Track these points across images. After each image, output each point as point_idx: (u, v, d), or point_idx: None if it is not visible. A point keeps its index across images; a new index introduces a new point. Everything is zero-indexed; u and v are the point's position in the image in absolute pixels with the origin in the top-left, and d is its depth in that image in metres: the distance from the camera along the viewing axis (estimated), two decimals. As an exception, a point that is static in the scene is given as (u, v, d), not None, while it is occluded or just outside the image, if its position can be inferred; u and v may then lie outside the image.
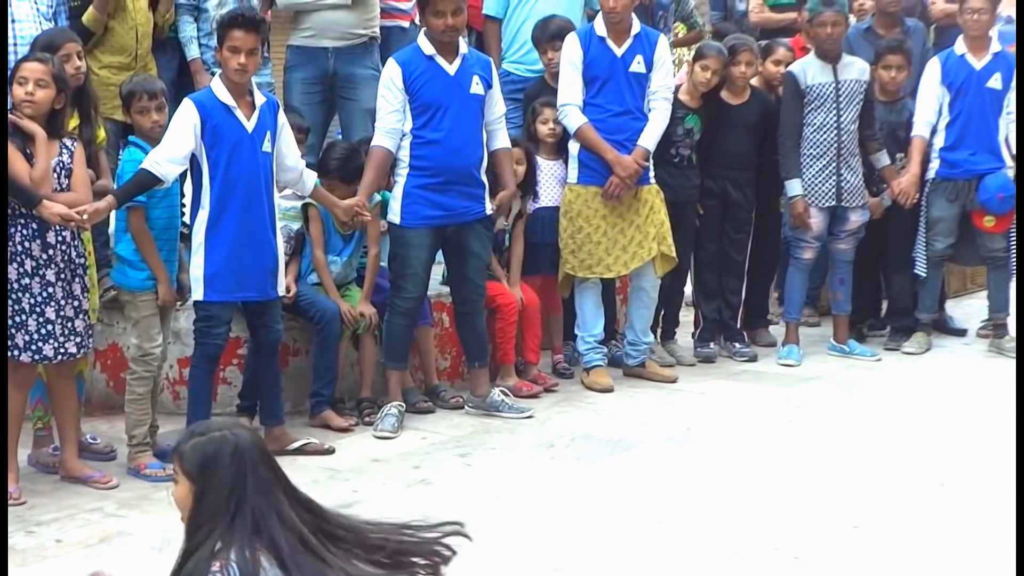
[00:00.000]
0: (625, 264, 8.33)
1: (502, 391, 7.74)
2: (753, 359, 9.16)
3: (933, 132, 9.33)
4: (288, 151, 6.75)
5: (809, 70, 9.03)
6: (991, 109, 9.27)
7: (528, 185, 8.31)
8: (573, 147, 8.33)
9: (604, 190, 8.16)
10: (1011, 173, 9.21)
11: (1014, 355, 9.21)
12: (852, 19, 10.07)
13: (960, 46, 9.34)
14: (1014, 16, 11.01)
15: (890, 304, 9.89)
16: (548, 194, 8.47)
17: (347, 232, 7.55)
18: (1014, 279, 9.52)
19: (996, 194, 9.11)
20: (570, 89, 8.26)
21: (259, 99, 6.53)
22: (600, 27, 8.30)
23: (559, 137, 8.50)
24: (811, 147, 8.99)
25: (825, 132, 8.95)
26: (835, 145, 8.96)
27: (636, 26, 8.34)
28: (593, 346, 8.38)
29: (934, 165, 9.31)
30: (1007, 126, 9.28)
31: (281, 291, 6.76)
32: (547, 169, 8.49)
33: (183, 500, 3.61)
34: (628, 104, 8.26)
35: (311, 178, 6.97)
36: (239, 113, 6.42)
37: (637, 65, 8.26)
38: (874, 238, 9.43)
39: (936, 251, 9.37)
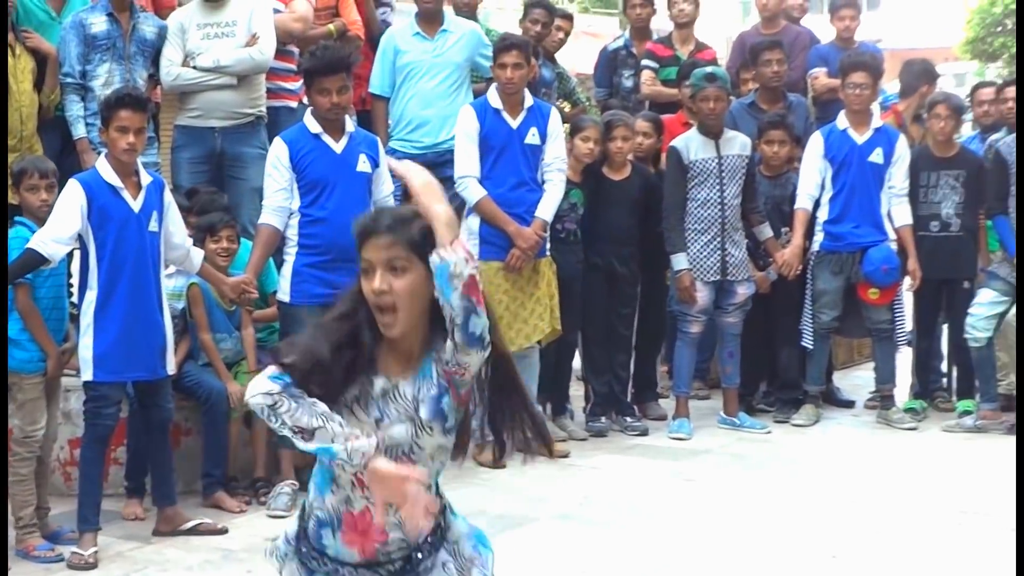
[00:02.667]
0: (527, 337, 8.36)
1: (395, 468, 7.69)
2: (644, 433, 9.17)
3: (817, 205, 9.45)
4: (175, 229, 6.71)
5: (692, 145, 9.12)
6: (873, 183, 9.42)
7: None
8: (473, 222, 8.36)
9: (506, 263, 8.20)
10: (893, 246, 9.36)
11: (902, 426, 9.33)
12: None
13: (842, 120, 9.49)
14: (894, 91, 11.20)
15: (778, 376, 9.96)
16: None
17: (231, 308, 7.48)
18: (899, 350, 9.66)
19: (880, 266, 9.24)
20: (467, 161, 8.31)
21: (145, 179, 6.50)
22: (495, 99, 8.37)
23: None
24: (695, 222, 9.06)
25: (709, 207, 9.04)
26: (719, 220, 9.04)
27: (529, 99, 8.43)
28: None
29: (818, 238, 9.43)
30: (888, 200, 9.43)
31: (171, 370, 6.70)
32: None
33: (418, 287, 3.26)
34: (524, 176, 8.34)
35: (198, 256, 6.92)
36: (125, 193, 6.37)
37: (532, 137, 8.36)
38: (761, 311, 9.52)
39: (822, 323, 9.48)
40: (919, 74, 10.59)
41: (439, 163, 9.10)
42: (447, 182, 8.73)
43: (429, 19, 9.39)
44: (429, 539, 3.38)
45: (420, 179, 3.26)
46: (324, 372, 3.28)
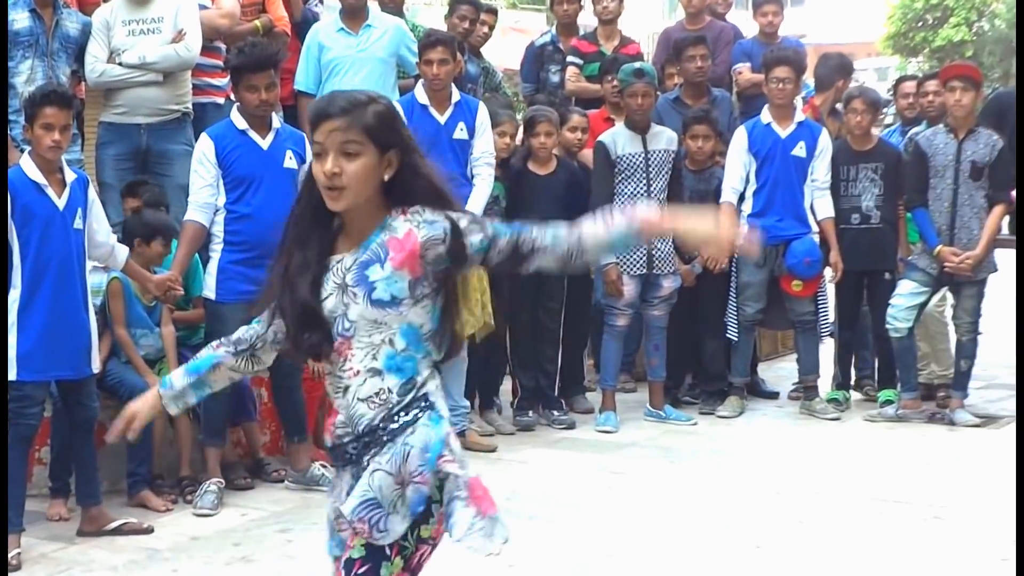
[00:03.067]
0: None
1: (322, 465, 7.70)
2: (571, 426, 9.22)
3: (741, 199, 9.53)
4: (99, 227, 6.67)
5: (619, 140, 9.18)
6: (796, 176, 9.51)
7: None
8: None
9: None
10: (816, 238, 9.46)
11: (825, 416, 9.44)
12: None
13: (766, 115, 9.58)
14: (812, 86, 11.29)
15: (704, 369, 10.04)
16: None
17: (151, 304, 7.45)
18: (822, 342, 9.76)
19: (803, 259, 9.34)
20: None
21: (69, 176, 6.46)
22: (422, 95, 8.40)
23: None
24: (622, 216, 9.08)
25: (636, 201, 9.09)
26: (645, 214, 9.07)
27: (456, 94, 8.47)
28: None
29: (742, 231, 9.50)
30: (811, 193, 9.53)
31: (95, 368, 6.66)
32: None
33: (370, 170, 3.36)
34: (453, 170, 8.34)
35: (123, 252, 6.89)
36: (50, 191, 6.33)
37: (460, 132, 8.40)
38: (687, 304, 9.59)
39: (747, 316, 9.57)
40: (835, 68, 10.69)
41: None
42: None
43: (353, 15, 9.40)
44: (378, 430, 3.35)
45: (655, 225, 3.50)
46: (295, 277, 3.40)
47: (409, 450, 3.32)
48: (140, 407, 3.67)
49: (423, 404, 3.37)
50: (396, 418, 3.34)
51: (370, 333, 3.34)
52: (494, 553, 3.39)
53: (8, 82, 8.04)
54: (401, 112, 3.55)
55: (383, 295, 3.31)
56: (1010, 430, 9.08)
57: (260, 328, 3.63)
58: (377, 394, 3.33)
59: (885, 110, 11.04)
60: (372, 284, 3.32)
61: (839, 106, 10.38)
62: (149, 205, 7.74)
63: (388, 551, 3.33)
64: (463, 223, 3.38)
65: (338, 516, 3.44)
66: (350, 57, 9.31)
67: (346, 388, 3.37)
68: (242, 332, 3.66)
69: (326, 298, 3.38)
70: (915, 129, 10.07)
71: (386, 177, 3.36)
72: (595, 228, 3.45)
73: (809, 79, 11.60)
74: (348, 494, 3.36)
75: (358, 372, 3.35)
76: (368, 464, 3.33)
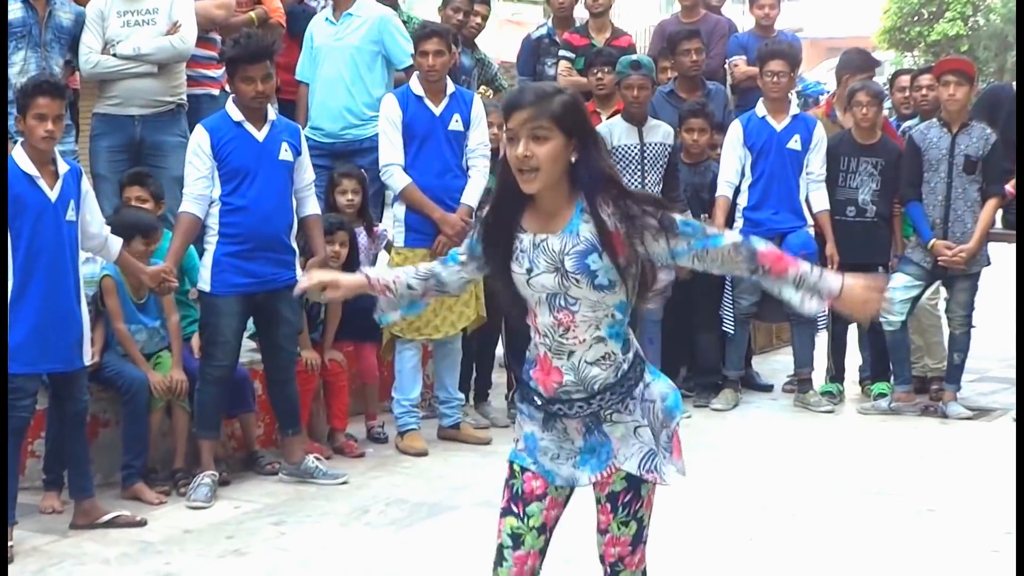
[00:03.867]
0: (452, 324, 8.39)
1: (316, 457, 7.70)
2: (566, 419, 9.20)
3: (737, 192, 9.53)
4: (92, 218, 6.65)
5: (616, 131, 9.18)
6: (792, 169, 9.51)
7: (351, 265, 8.26)
8: (398, 210, 8.39)
9: (432, 250, 8.19)
10: (811, 231, 9.47)
11: (819, 409, 9.44)
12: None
13: (760, 108, 9.58)
14: (809, 79, 11.30)
15: (698, 362, 10.04)
16: (356, 258, 8.48)
17: (141, 300, 7.44)
18: (818, 334, 9.77)
19: (799, 252, 9.27)
20: (391, 149, 8.33)
21: (62, 167, 6.44)
22: (417, 87, 8.38)
23: (358, 207, 8.54)
24: (616, 209, 9.08)
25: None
26: (639, 206, 9.07)
27: (451, 86, 8.46)
28: (408, 409, 8.39)
29: (738, 225, 9.49)
30: (807, 186, 9.53)
31: (87, 361, 6.65)
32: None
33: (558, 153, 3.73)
34: (449, 162, 8.36)
35: (116, 244, 6.86)
36: (42, 183, 6.30)
37: (455, 123, 8.38)
38: (681, 297, 9.57)
39: (742, 309, 9.57)
40: (846, 64, 10.63)
41: (348, 152, 9.12)
42: (339, 177, 8.73)
43: (339, 4, 9.42)
44: (611, 392, 3.83)
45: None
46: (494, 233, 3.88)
47: (653, 403, 3.87)
48: (345, 281, 4.19)
49: (641, 361, 3.90)
50: (629, 376, 3.84)
51: (593, 309, 3.78)
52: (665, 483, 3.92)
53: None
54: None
55: (603, 280, 3.75)
56: (1003, 423, 9.10)
57: (456, 267, 4.08)
58: (604, 357, 3.82)
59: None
60: (594, 272, 3.73)
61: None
62: (156, 198, 7.76)
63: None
64: (672, 226, 3.75)
65: (548, 450, 3.94)
66: (327, 46, 9.35)
67: (570, 352, 3.82)
68: (430, 267, 4.16)
69: (538, 275, 3.79)
70: (908, 123, 10.08)
71: (573, 159, 3.72)
72: (791, 276, 3.83)
73: (807, 73, 11.62)
74: (587, 437, 3.89)
75: (583, 340, 3.80)
76: (612, 418, 3.86)
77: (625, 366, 3.83)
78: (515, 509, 3.93)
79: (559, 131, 3.70)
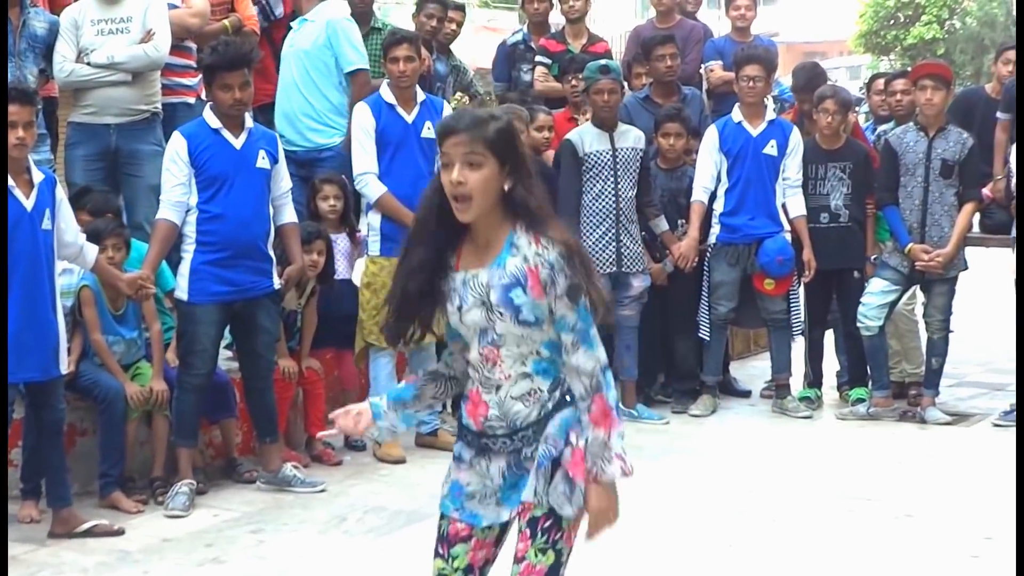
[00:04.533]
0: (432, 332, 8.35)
1: (294, 465, 7.69)
2: (542, 426, 9.19)
3: (713, 197, 9.53)
4: (67, 227, 6.64)
5: (586, 138, 9.17)
6: (768, 174, 9.51)
7: (327, 275, 8.25)
8: (374, 219, 8.39)
9: None
10: (788, 236, 9.48)
11: (797, 414, 9.45)
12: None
13: (737, 113, 9.58)
14: (785, 84, 11.32)
15: (676, 368, 10.03)
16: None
17: (118, 311, 7.42)
18: (795, 340, 9.77)
19: (775, 257, 9.35)
20: (365, 157, 8.33)
21: (36, 176, 6.42)
22: (388, 95, 8.39)
23: (340, 213, 8.53)
24: (590, 214, 9.11)
25: (603, 199, 9.10)
26: (614, 212, 9.10)
27: (421, 93, 8.48)
28: (385, 417, 8.35)
29: (715, 230, 9.51)
30: (783, 191, 9.54)
31: (63, 369, 6.62)
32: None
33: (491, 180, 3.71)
34: (422, 170, 8.35)
35: (92, 252, 6.85)
36: (17, 192, 6.28)
37: (427, 131, 8.38)
38: (659, 303, 9.59)
39: (719, 314, 9.57)
40: (796, 88, 10.57)
41: (309, 161, 9.11)
42: (321, 184, 8.68)
43: (299, 8, 9.46)
44: (532, 429, 3.79)
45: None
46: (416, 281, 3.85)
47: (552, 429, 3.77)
48: (365, 414, 4.08)
49: (568, 399, 3.79)
50: (552, 414, 3.78)
51: (518, 344, 3.75)
52: (568, 517, 3.76)
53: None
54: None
55: (528, 317, 3.71)
56: (981, 428, 9.12)
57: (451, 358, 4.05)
58: (530, 393, 3.78)
59: (857, 108, 11.04)
60: (519, 307, 3.70)
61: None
62: (94, 214, 7.65)
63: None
64: (573, 299, 3.69)
65: (475, 493, 3.89)
66: (285, 52, 9.39)
67: (498, 387, 3.80)
68: (439, 367, 4.11)
69: (468, 310, 3.78)
70: (883, 127, 10.10)
71: (506, 187, 3.71)
72: (596, 435, 3.74)
73: (782, 78, 11.62)
74: (507, 473, 3.83)
75: (509, 376, 3.78)
76: (532, 455, 3.77)
77: (550, 404, 3.77)
78: (440, 551, 3.94)
79: (493, 157, 3.68)
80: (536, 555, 3.76)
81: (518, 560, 3.78)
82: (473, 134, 3.68)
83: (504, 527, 3.92)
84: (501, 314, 3.71)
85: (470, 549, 3.90)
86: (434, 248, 3.81)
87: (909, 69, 10.75)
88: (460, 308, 3.80)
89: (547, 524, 3.74)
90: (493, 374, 3.80)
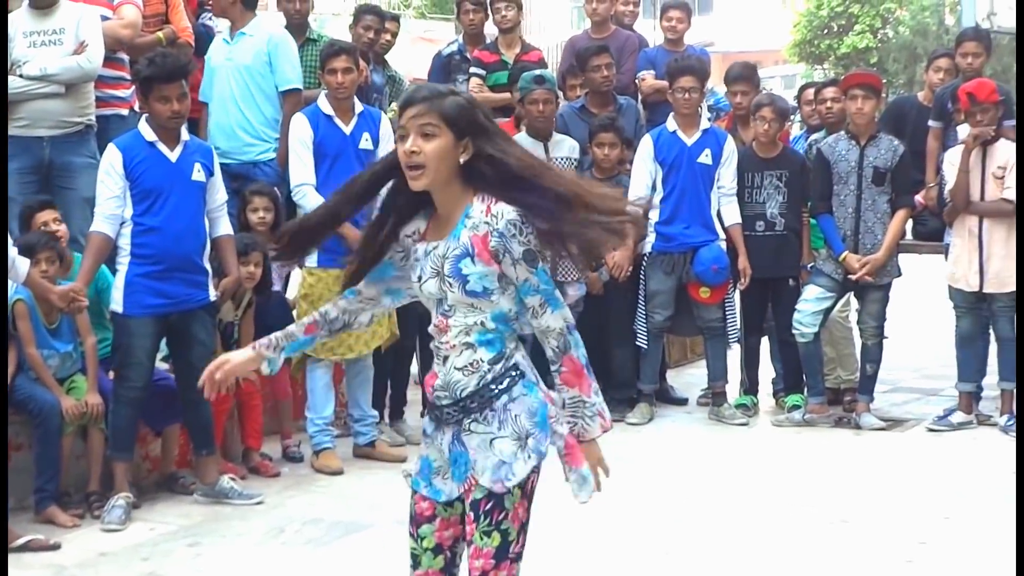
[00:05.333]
0: (366, 343, 8.39)
1: (231, 477, 7.66)
2: (481, 435, 9.19)
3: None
4: None
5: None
6: (703, 183, 9.56)
7: (264, 286, 8.24)
8: None
9: (345, 270, 8.17)
10: (723, 245, 9.53)
11: (734, 422, 9.50)
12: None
13: (671, 123, 9.63)
14: (719, 93, 11.39)
15: (613, 376, 10.04)
16: (269, 278, 8.45)
17: (52, 325, 7.37)
18: (731, 348, 9.82)
19: (711, 266, 9.40)
20: (303, 169, 8.32)
21: (-31, 189, 6.38)
22: (326, 106, 8.39)
23: (270, 224, 8.51)
24: (524, 224, 9.12)
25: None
26: (547, 221, 9.10)
27: (358, 105, 8.48)
28: (322, 428, 8.36)
29: (650, 239, 9.55)
30: (718, 199, 9.60)
31: (0, 384, 6.58)
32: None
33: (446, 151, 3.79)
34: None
35: (24, 265, 6.81)
36: (-50, 205, 6.25)
37: (365, 142, 8.40)
38: (595, 312, 9.62)
39: (656, 323, 9.61)
40: (730, 78, 10.67)
41: (243, 174, 9.10)
42: (251, 196, 8.69)
43: (234, 23, 9.42)
44: (470, 400, 3.85)
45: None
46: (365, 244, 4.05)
47: (518, 415, 3.83)
48: (236, 359, 4.17)
49: (514, 374, 3.87)
50: (492, 387, 3.84)
51: (465, 315, 3.84)
52: (584, 503, 3.94)
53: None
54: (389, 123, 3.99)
55: (476, 287, 3.80)
56: (916, 433, 9.20)
57: (352, 300, 4.18)
58: (471, 364, 3.84)
59: (793, 117, 11.12)
60: (466, 277, 3.79)
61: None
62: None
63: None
64: (531, 263, 3.79)
65: (440, 468, 3.94)
66: (222, 65, 9.34)
67: (445, 358, 3.89)
68: (335, 311, 4.18)
69: (426, 280, 3.88)
70: (814, 136, 10.18)
71: (462, 160, 3.78)
72: (570, 394, 3.92)
73: (718, 86, 11.68)
74: (451, 446, 3.89)
75: (454, 346, 3.86)
76: (470, 427, 3.85)
77: (489, 376, 3.83)
78: (411, 530, 4.01)
79: (448, 129, 3.76)
80: (481, 538, 3.83)
81: (468, 543, 3.89)
82: (429, 105, 3.77)
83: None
84: (451, 284, 3.81)
85: (436, 529, 3.97)
86: (394, 216, 3.97)
87: (841, 78, 10.83)
88: (420, 278, 3.91)
89: (488, 507, 3.81)
90: (442, 344, 3.89)
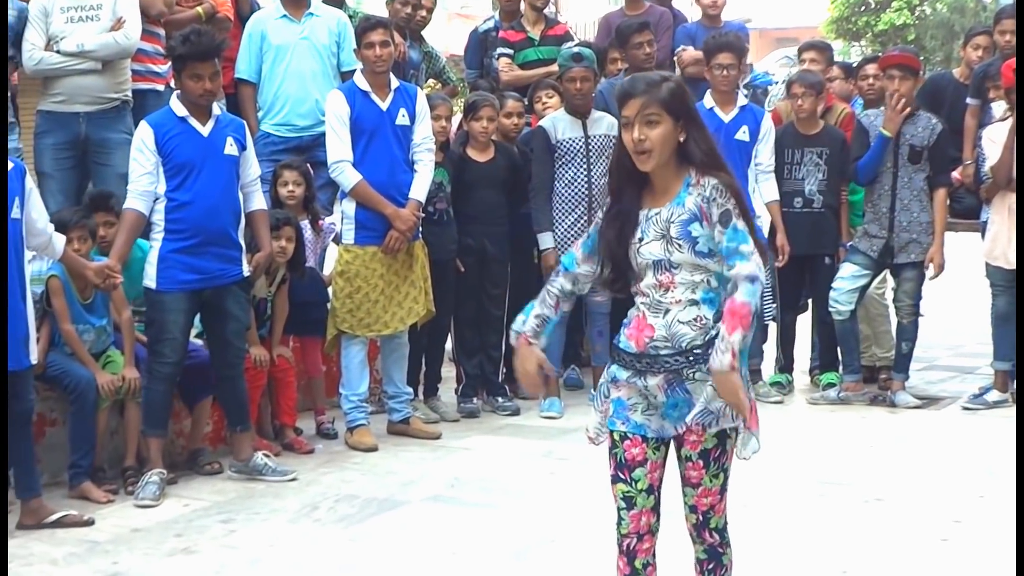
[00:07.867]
0: (402, 320, 8.39)
1: (265, 454, 7.67)
2: (516, 412, 9.22)
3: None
4: (38, 216, 6.62)
5: (559, 125, 9.18)
6: (740, 160, 9.47)
7: (297, 262, 8.24)
8: (348, 207, 8.36)
9: (384, 245, 8.20)
10: (760, 222, 9.46)
11: (768, 400, 9.42)
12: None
13: (708, 100, 9.57)
14: (757, 70, 11.32)
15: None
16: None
17: (86, 300, 7.39)
18: (767, 325, 9.77)
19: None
20: (340, 145, 8.30)
21: (6, 165, 6.39)
22: (362, 82, 8.36)
23: (299, 200, 8.51)
24: (562, 201, 9.14)
25: (576, 186, 9.12)
26: (586, 198, 9.12)
27: (394, 80, 8.45)
28: (356, 405, 8.37)
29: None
30: (756, 177, 9.54)
31: (33, 359, 6.58)
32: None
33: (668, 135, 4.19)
34: (397, 157, 8.33)
35: (60, 242, 6.84)
36: (-15, 181, 6.26)
37: (402, 118, 8.36)
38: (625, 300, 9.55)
39: (691, 300, 9.55)
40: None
41: (313, 146, 9.12)
42: (319, 165, 8.77)
43: (295, 2, 9.39)
44: (696, 349, 4.20)
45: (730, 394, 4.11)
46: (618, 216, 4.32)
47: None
48: (532, 360, 4.67)
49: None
50: (713, 342, 4.12)
51: (692, 273, 4.21)
52: (745, 458, 4.34)
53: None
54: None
55: (704, 248, 4.19)
56: (951, 411, 9.15)
57: (574, 273, 4.52)
58: (696, 319, 4.21)
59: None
60: (695, 239, 4.18)
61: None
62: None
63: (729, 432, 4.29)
64: (724, 222, 4.15)
65: (635, 405, 4.34)
66: (293, 43, 9.33)
67: (667, 311, 4.23)
68: (568, 284, 4.55)
69: (648, 243, 4.24)
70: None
71: (681, 139, 4.20)
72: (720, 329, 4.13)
73: (753, 63, 11.60)
74: (669, 392, 4.26)
75: (679, 300, 4.22)
76: (694, 376, 4.20)
77: (712, 332, 4.16)
78: (623, 476, 4.39)
79: (668, 115, 4.17)
80: (711, 480, 4.36)
81: (693, 484, 4.38)
82: (649, 96, 4.17)
83: (668, 446, 4.40)
84: (680, 245, 4.18)
85: (647, 471, 4.37)
86: (628, 199, 4.29)
87: (879, 55, 10.75)
88: (640, 240, 4.25)
89: (718, 453, 4.31)
90: (665, 298, 4.23)
